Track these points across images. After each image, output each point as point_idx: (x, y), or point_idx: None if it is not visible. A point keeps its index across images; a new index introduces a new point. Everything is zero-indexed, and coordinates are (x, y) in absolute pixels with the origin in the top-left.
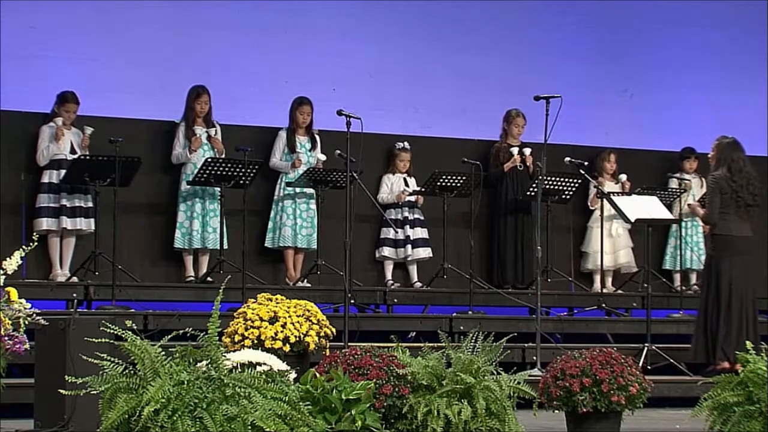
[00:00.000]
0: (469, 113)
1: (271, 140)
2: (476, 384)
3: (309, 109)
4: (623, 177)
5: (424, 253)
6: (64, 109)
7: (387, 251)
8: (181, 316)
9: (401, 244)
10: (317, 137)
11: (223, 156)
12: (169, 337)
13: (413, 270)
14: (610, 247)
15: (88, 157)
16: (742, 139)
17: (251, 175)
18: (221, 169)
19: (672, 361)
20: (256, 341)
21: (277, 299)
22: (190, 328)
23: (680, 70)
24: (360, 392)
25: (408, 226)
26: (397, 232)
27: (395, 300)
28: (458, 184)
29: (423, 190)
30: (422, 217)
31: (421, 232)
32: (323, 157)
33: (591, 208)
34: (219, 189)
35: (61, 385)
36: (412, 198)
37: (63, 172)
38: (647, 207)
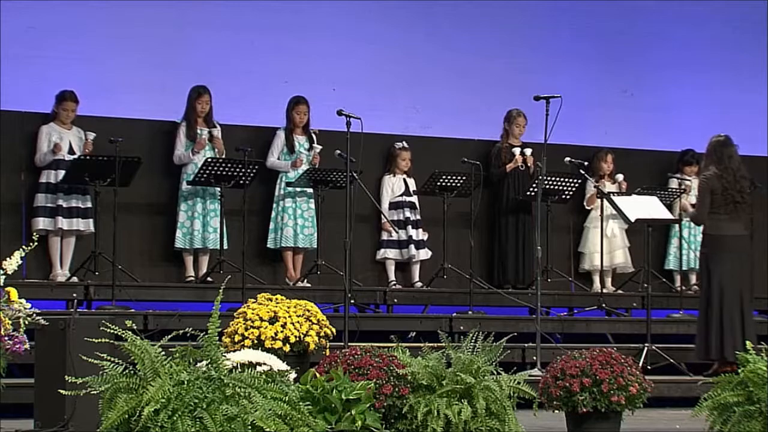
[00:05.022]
0: (469, 113)
1: (271, 140)
2: (476, 384)
3: (305, 108)
4: (620, 177)
5: (425, 254)
6: (63, 107)
7: (391, 253)
8: (181, 316)
9: (404, 244)
10: (314, 136)
11: (223, 156)
12: (169, 337)
13: (416, 269)
14: (605, 247)
15: (87, 157)
16: (742, 139)
17: (251, 175)
18: (221, 169)
19: (672, 361)
20: (256, 341)
21: (277, 299)
22: (190, 328)
23: (680, 70)
24: (360, 392)
25: (411, 227)
26: (398, 233)
27: (395, 300)
28: (458, 184)
29: (422, 189)
30: (420, 218)
31: (421, 234)
32: (319, 147)
33: (587, 207)
34: (219, 189)
35: (61, 385)
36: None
37: (61, 172)
38: (647, 207)
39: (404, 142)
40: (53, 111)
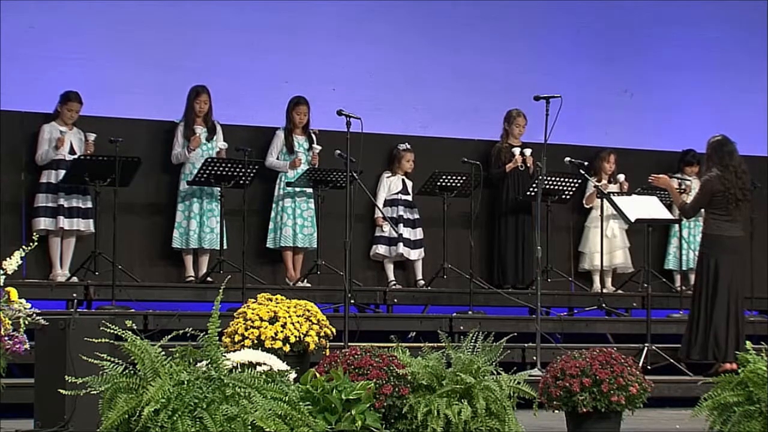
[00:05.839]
0: (469, 113)
1: (271, 140)
2: (476, 384)
3: (305, 109)
4: (621, 177)
5: (419, 254)
6: (67, 108)
7: (381, 249)
8: (181, 316)
9: (394, 242)
10: (314, 136)
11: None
12: (169, 337)
13: (419, 267)
14: (605, 247)
15: (88, 158)
16: (742, 139)
17: (251, 175)
18: (221, 169)
19: (672, 361)
20: (256, 341)
21: (277, 299)
22: (190, 328)
23: (680, 70)
24: (360, 392)
25: (403, 225)
26: (394, 228)
27: (395, 300)
28: (458, 184)
29: (416, 191)
30: (418, 217)
31: (420, 233)
32: (318, 148)
33: (586, 206)
34: (219, 189)
35: (61, 385)
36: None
37: (62, 172)
38: (647, 207)
39: (407, 144)
40: (56, 110)
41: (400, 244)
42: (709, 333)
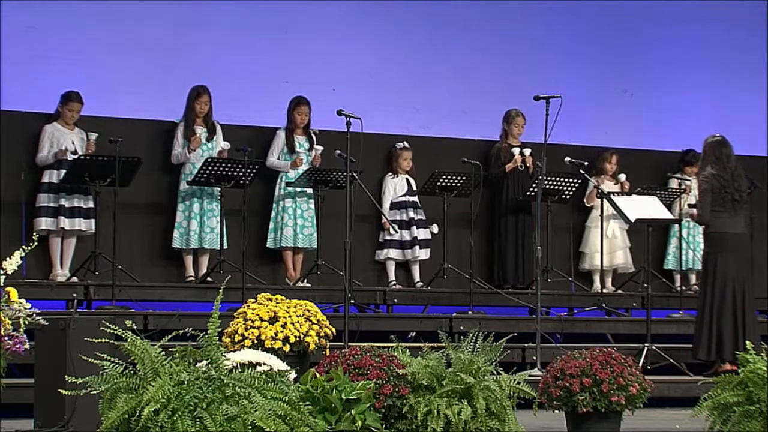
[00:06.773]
0: (469, 113)
1: (271, 140)
2: (476, 384)
3: (307, 109)
4: (622, 177)
5: (425, 254)
6: (68, 108)
7: (393, 253)
8: (181, 316)
9: (408, 245)
10: (314, 136)
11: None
12: (169, 337)
13: (416, 269)
14: (606, 247)
15: (88, 157)
16: (742, 139)
17: (251, 175)
18: (221, 169)
19: (672, 361)
20: (256, 341)
21: (277, 299)
22: (190, 328)
23: (680, 70)
24: (360, 392)
25: (415, 227)
26: (399, 232)
27: (395, 300)
28: (458, 184)
29: (421, 191)
30: (424, 218)
31: (424, 233)
32: (320, 148)
33: (587, 205)
34: (219, 189)
35: (61, 385)
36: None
37: (63, 172)
38: (647, 207)
39: (405, 143)
40: (57, 111)
41: (416, 247)
42: (720, 333)
